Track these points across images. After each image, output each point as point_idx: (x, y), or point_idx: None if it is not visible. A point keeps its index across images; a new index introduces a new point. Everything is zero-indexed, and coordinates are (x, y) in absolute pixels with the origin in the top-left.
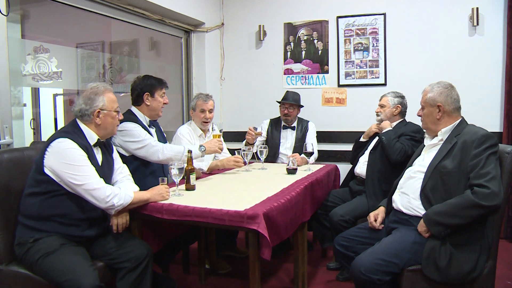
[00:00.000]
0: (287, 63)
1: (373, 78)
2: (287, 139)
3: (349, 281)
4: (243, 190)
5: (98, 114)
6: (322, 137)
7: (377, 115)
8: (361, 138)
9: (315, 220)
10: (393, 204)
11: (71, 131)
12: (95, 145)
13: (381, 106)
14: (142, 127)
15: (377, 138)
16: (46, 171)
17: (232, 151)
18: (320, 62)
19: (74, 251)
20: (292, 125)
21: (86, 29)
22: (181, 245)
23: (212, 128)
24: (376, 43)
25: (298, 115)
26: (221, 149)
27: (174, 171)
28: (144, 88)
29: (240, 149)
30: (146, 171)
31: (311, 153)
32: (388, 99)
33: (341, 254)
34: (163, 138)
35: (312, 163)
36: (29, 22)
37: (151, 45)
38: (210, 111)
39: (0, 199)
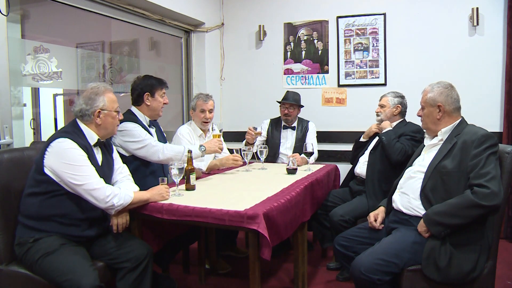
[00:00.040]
0: (287, 63)
1: (373, 78)
2: (287, 139)
3: (349, 281)
4: (243, 190)
5: (99, 114)
6: (322, 137)
7: (377, 115)
8: (361, 138)
9: (315, 220)
10: (393, 204)
11: (71, 131)
12: (95, 145)
13: (381, 106)
14: (142, 127)
15: (377, 138)
16: (46, 171)
17: (231, 151)
18: (320, 62)
19: (74, 251)
20: (292, 125)
21: (86, 29)
22: (181, 245)
23: (212, 128)
24: (376, 43)
25: (298, 115)
26: (221, 149)
27: (174, 171)
28: (144, 88)
29: (240, 149)
30: (146, 171)
31: (311, 153)
32: (388, 99)
33: (341, 254)
34: (163, 138)
35: (312, 163)
36: (29, 22)
37: (151, 45)
38: (210, 111)
39: (0, 199)
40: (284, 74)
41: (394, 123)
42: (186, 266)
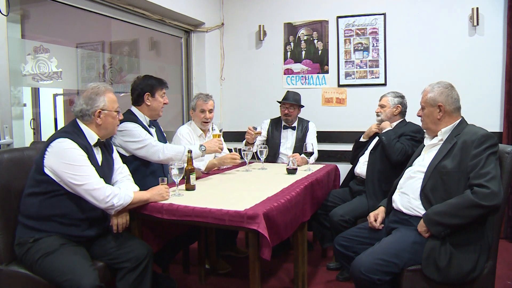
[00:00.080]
0: (287, 63)
1: (373, 78)
2: (288, 139)
3: (349, 281)
4: (243, 190)
5: (99, 114)
6: (322, 137)
7: (377, 115)
8: (361, 138)
9: (315, 220)
10: (393, 204)
11: (71, 131)
12: (95, 145)
13: (381, 106)
14: (142, 127)
15: (377, 138)
16: (46, 171)
17: (230, 150)
18: (320, 62)
19: (74, 251)
20: (293, 125)
21: (86, 29)
22: (181, 245)
23: (212, 128)
24: (376, 43)
25: (299, 115)
26: (221, 149)
27: (174, 171)
28: (144, 88)
29: (240, 149)
30: (146, 171)
31: (311, 153)
32: (388, 99)
33: (341, 254)
34: (163, 138)
35: (312, 163)
36: (29, 22)
37: (151, 45)
38: (210, 111)
39: (0, 199)
40: (284, 74)
41: (394, 123)
42: (186, 266)
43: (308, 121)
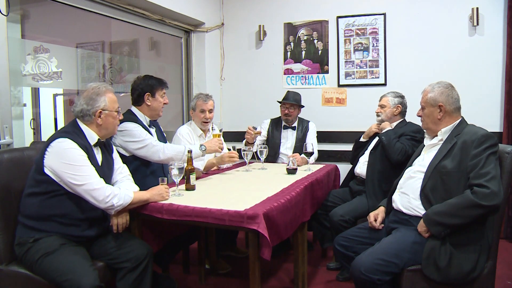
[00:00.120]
0: (287, 63)
1: (373, 78)
2: (288, 139)
3: (349, 281)
4: (243, 190)
5: (100, 115)
6: (322, 137)
7: (378, 115)
8: (361, 138)
9: (315, 220)
10: (393, 204)
11: (71, 131)
12: (95, 145)
13: (381, 106)
14: (143, 127)
15: (377, 138)
16: (46, 171)
17: (229, 149)
18: (320, 62)
19: (74, 251)
20: (293, 125)
21: (86, 29)
22: (181, 245)
23: (212, 128)
24: (376, 43)
25: (299, 115)
26: (222, 149)
27: (174, 171)
28: (145, 88)
29: (240, 149)
30: (146, 171)
31: (311, 153)
32: (388, 99)
33: (341, 254)
34: (163, 138)
35: (312, 163)
36: (29, 22)
37: (151, 45)
38: (210, 111)
39: (0, 199)
40: (284, 74)
41: (395, 123)
42: (186, 266)
43: (308, 121)
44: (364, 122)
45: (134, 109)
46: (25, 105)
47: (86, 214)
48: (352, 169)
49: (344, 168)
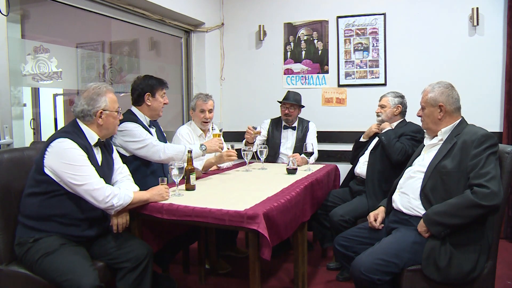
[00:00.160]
0: (287, 63)
1: (373, 78)
2: (288, 139)
3: (349, 281)
4: (243, 190)
5: (101, 115)
6: (322, 137)
7: (378, 116)
8: (361, 138)
9: (315, 220)
10: (393, 204)
11: (71, 131)
12: (95, 145)
13: (382, 106)
14: (143, 127)
15: (377, 138)
16: (46, 171)
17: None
18: (320, 62)
19: (74, 251)
20: (293, 125)
21: (86, 29)
22: (181, 245)
23: (212, 127)
24: (376, 43)
25: (299, 115)
26: (222, 148)
27: (174, 171)
28: (145, 88)
29: (240, 148)
30: (146, 171)
31: (311, 153)
32: (388, 99)
33: (341, 254)
34: (163, 138)
35: (312, 163)
36: (29, 22)
37: (151, 45)
38: (210, 111)
39: (0, 199)
40: (284, 74)
41: (395, 123)
42: (186, 266)
43: (309, 121)
44: (364, 122)
45: (134, 109)
46: (25, 105)
47: (86, 214)
48: (352, 169)
49: (344, 168)
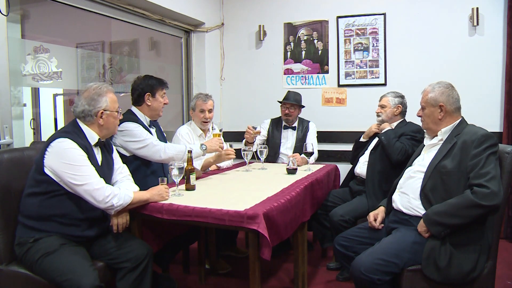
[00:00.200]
0: (287, 63)
1: (373, 78)
2: (288, 139)
3: (349, 281)
4: (243, 190)
5: (101, 115)
6: (322, 137)
7: (378, 116)
8: (361, 138)
9: (315, 220)
10: (393, 204)
11: (71, 131)
12: (95, 145)
13: (382, 106)
14: (143, 127)
15: (377, 138)
16: (46, 171)
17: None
18: (320, 62)
19: (74, 251)
20: (293, 125)
21: (86, 29)
22: (181, 245)
23: (212, 127)
24: (376, 43)
25: (299, 115)
26: (222, 148)
27: (174, 171)
28: (145, 88)
29: (240, 148)
30: (147, 171)
31: (311, 153)
32: (388, 99)
33: (341, 254)
34: (163, 138)
35: (312, 163)
36: (29, 22)
37: (151, 45)
38: (210, 111)
39: (0, 199)
40: (284, 74)
41: (395, 123)
42: (186, 266)
43: (309, 121)
44: (364, 122)
45: (134, 109)
46: (25, 105)
47: (86, 214)
48: (352, 169)
49: (344, 168)
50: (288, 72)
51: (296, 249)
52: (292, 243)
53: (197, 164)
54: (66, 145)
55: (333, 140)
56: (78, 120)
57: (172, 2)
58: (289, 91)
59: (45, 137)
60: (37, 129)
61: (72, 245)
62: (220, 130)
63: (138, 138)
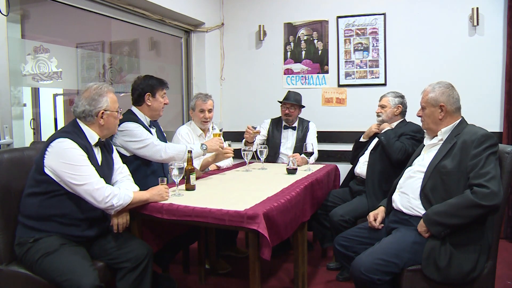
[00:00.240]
0: (287, 63)
1: (373, 78)
2: (288, 139)
3: (349, 281)
4: (243, 190)
5: (102, 115)
6: (322, 137)
7: (378, 116)
8: (361, 138)
9: (315, 220)
10: (393, 204)
11: (71, 131)
12: (95, 145)
13: (382, 106)
14: (143, 127)
15: (377, 138)
16: (46, 171)
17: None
18: (320, 62)
19: (74, 251)
20: (293, 125)
21: (86, 29)
22: (181, 245)
23: (212, 127)
24: (376, 43)
25: (299, 115)
26: (222, 147)
27: (174, 171)
28: (145, 88)
29: (240, 149)
30: (147, 171)
31: (311, 153)
32: (388, 99)
33: (341, 254)
34: (163, 138)
35: (312, 163)
36: (29, 22)
37: (151, 45)
38: (210, 110)
39: (0, 199)
40: (284, 74)
41: (395, 123)
42: (186, 266)
43: (309, 121)
44: (364, 122)
45: (135, 109)
46: (25, 105)
47: (86, 214)
48: (352, 169)
49: (344, 168)
50: (288, 72)
51: (296, 249)
52: (292, 243)
53: (196, 164)
54: (66, 145)
55: (333, 140)
56: (78, 120)
57: (172, 2)
58: (289, 91)
59: (45, 137)
60: (37, 129)
61: (72, 245)
62: (220, 130)
63: (139, 138)
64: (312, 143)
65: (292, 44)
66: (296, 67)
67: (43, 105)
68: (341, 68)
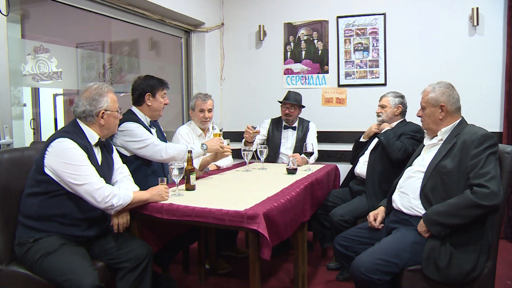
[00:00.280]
0: (287, 63)
1: (373, 78)
2: (288, 139)
3: (349, 281)
4: (243, 190)
5: (103, 115)
6: (322, 137)
7: (378, 116)
8: (361, 138)
9: (315, 220)
10: (393, 204)
11: (72, 131)
12: (95, 145)
13: (382, 106)
14: (143, 127)
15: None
16: (47, 171)
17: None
18: (320, 62)
19: (74, 251)
20: (293, 125)
21: (86, 29)
22: (181, 245)
23: (213, 127)
24: (376, 43)
25: (299, 115)
26: (223, 147)
27: (174, 171)
28: (145, 88)
29: (240, 148)
30: (147, 171)
31: (311, 153)
32: (389, 99)
33: (341, 254)
34: (163, 138)
35: (312, 163)
36: (29, 22)
37: (151, 45)
38: (209, 110)
39: (0, 199)
40: (284, 74)
41: (395, 123)
42: (186, 266)
43: (309, 121)
44: (364, 122)
45: (135, 109)
46: (25, 105)
47: (86, 214)
48: (352, 169)
49: (344, 168)
50: (288, 72)
51: (296, 249)
52: (292, 243)
53: (195, 163)
54: (66, 145)
55: (333, 140)
56: (78, 120)
57: (172, 2)
58: (289, 91)
59: (45, 137)
60: (37, 129)
61: (72, 245)
62: (220, 130)
63: (139, 138)
64: (312, 143)
65: (292, 44)
66: (296, 67)
67: (43, 105)
68: (341, 68)
